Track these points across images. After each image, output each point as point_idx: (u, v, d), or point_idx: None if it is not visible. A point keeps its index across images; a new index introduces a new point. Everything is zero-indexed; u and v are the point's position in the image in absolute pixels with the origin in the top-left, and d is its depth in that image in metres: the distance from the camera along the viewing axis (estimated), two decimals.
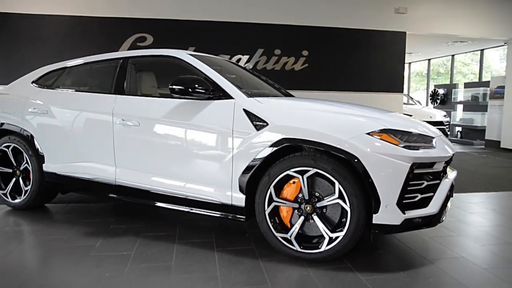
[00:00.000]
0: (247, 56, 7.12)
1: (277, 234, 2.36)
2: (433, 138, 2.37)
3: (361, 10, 7.47)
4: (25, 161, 3.24)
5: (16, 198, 3.32)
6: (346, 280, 2.10)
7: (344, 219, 2.23)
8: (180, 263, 2.28)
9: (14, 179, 3.34)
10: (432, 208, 2.26)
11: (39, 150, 3.15)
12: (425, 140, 2.32)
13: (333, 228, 2.28)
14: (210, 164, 2.51)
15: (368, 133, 2.20)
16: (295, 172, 2.29)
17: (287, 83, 5.53)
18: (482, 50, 10.63)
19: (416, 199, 2.24)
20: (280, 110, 2.44)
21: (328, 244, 2.25)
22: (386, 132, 2.22)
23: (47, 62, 6.21)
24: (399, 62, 7.79)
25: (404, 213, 2.17)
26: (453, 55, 11.81)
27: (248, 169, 2.38)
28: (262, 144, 2.34)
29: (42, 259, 2.36)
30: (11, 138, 3.29)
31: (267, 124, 2.35)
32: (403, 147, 2.19)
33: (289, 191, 2.36)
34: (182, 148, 2.61)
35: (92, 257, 2.35)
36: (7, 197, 3.34)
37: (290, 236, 2.33)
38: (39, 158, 3.17)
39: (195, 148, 2.56)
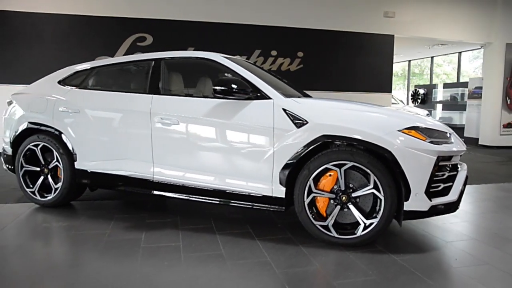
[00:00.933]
0: (245, 57, 7.29)
1: (315, 222, 2.58)
2: (450, 134, 2.67)
3: (352, 13, 7.82)
4: (55, 159, 3.31)
5: (44, 196, 3.38)
6: (383, 260, 2.36)
7: (378, 207, 2.49)
8: (229, 251, 2.47)
9: (42, 177, 3.39)
10: (452, 196, 2.56)
11: (71, 148, 3.23)
12: (445, 136, 2.61)
13: (366, 215, 2.53)
14: (252, 160, 2.70)
15: (399, 130, 2.46)
16: (333, 165, 2.53)
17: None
18: (460, 53, 11.29)
19: (439, 188, 2.52)
20: (318, 110, 2.66)
21: (363, 230, 2.51)
22: (414, 129, 2.49)
23: (44, 61, 6.24)
24: (387, 64, 8.20)
25: (431, 200, 2.45)
26: (432, 57, 12.45)
27: (288, 163, 2.59)
28: (303, 140, 2.56)
29: (95, 252, 2.45)
30: (40, 137, 3.35)
31: (307, 122, 2.57)
32: (429, 142, 2.47)
33: (325, 183, 2.59)
34: (223, 145, 2.79)
35: (143, 248, 2.49)
36: (35, 195, 3.40)
37: (328, 224, 2.56)
38: (71, 156, 3.25)
39: (237, 144, 2.75)
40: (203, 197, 2.88)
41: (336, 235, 2.55)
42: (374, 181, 2.46)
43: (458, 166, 2.76)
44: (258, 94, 2.75)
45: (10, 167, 3.58)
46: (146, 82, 3.15)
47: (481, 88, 9.14)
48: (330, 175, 2.58)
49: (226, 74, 2.95)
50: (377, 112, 2.69)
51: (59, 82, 3.48)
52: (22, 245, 2.55)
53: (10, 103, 3.65)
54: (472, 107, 9.48)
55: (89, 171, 3.18)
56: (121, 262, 2.30)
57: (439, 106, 11.56)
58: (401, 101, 11.67)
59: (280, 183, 2.63)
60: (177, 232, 2.80)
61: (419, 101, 11.89)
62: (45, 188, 3.39)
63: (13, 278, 2.09)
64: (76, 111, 3.23)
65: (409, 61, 13.81)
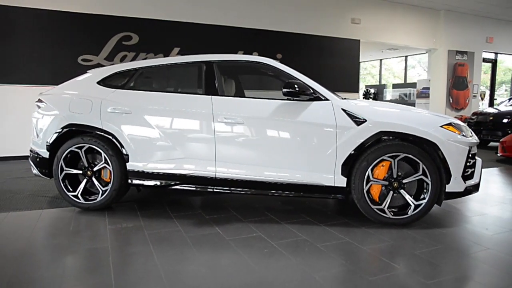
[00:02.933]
0: None
1: (373, 207, 3.00)
2: (468, 129, 3.26)
3: (324, 19, 8.44)
4: (102, 161, 3.29)
5: (89, 199, 3.34)
6: (434, 234, 2.85)
7: (425, 190, 2.97)
8: (310, 236, 2.77)
9: (85, 180, 3.35)
10: (476, 179, 3.14)
11: (123, 149, 3.25)
12: (467, 131, 3.18)
13: (414, 198, 3.01)
14: (317, 154, 3.02)
15: (441, 126, 2.98)
16: (389, 157, 2.96)
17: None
18: (406, 56, 12.63)
19: (468, 172, 3.09)
20: (373, 110, 3.08)
21: (414, 210, 2.98)
22: (451, 125, 3.02)
23: (24, 59, 5.88)
24: (354, 66, 8.98)
25: (465, 183, 3.00)
26: (381, 60, 13.71)
27: (350, 156, 2.97)
28: (363, 136, 2.95)
29: (195, 249, 2.54)
30: (85, 138, 3.30)
31: (366, 121, 2.96)
32: (462, 135, 3.02)
33: (379, 172, 3.01)
34: (289, 141, 3.06)
35: (232, 241, 2.67)
36: (79, 199, 3.34)
37: (384, 207, 2.99)
38: (122, 158, 3.26)
39: (302, 141, 3.04)
40: (266, 191, 3.13)
41: (391, 216, 2.99)
42: (423, 169, 2.94)
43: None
44: (317, 96, 3.09)
45: (44, 171, 3.46)
46: (200, 83, 3.29)
47: (428, 88, 10.38)
48: (382, 165, 3.00)
49: (291, 79, 3.14)
50: (420, 112, 3.19)
51: (99, 83, 3.45)
52: (121, 248, 2.56)
53: (40, 104, 3.51)
54: (420, 106, 10.71)
55: (145, 171, 3.23)
56: (217, 254, 2.46)
57: None
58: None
59: (342, 174, 3.00)
60: (247, 225, 3.02)
61: (370, 99, 13.05)
62: (85, 191, 3.34)
63: (149, 280, 2.17)
64: (127, 112, 3.25)
65: (359, 63, 14.96)
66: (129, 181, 3.29)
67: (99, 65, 6.42)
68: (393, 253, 2.49)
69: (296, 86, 3.00)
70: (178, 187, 3.26)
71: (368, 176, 2.98)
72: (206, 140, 3.14)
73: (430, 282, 2.09)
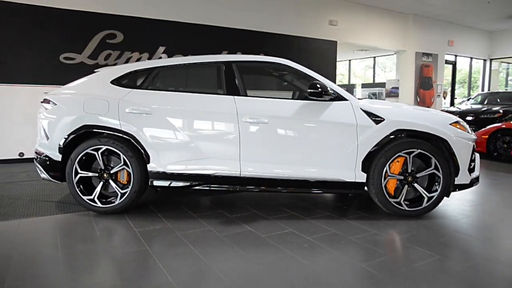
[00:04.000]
0: None
1: (390, 200, 3.19)
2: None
3: (303, 20, 8.66)
4: (121, 163, 3.21)
5: (106, 203, 3.25)
6: (441, 224, 3.10)
7: (436, 183, 3.22)
8: (339, 230, 2.91)
9: (101, 182, 3.26)
10: (477, 172, 3.44)
11: (143, 150, 3.19)
12: (469, 128, 3.47)
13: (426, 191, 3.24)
14: (339, 151, 3.16)
15: (450, 124, 3.24)
16: (405, 153, 3.17)
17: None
18: (374, 58, 13.22)
19: (472, 166, 3.38)
20: (390, 110, 3.27)
21: (427, 202, 3.21)
22: (457, 123, 3.30)
23: (2, 55, 5.49)
24: (332, 66, 9.28)
25: (470, 175, 3.29)
26: (350, 60, 14.24)
27: (369, 153, 3.14)
28: (381, 134, 3.13)
29: (227, 248, 2.58)
30: (102, 140, 3.21)
31: (384, 120, 3.15)
32: (467, 132, 3.30)
33: (395, 168, 3.21)
34: (312, 140, 3.18)
35: (267, 238, 2.75)
36: (95, 202, 3.24)
37: (400, 200, 3.20)
38: (142, 159, 3.21)
39: (325, 139, 3.17)
40: (290, 188, 3.23)
41: (407, 208, 3.21)
42: (435, 163, 3.18)
43: None
44: (336, 96, 3.23)
45: (55, 175, 3.31)
46: (220, 84, 3.32)
47: (397, 88, 10.97)
48: (398, 161, 3.21)
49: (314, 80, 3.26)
50: (429, 111, 3.43)
51: (112, 82, 3.36)
52: (162, 250, 2.51)
53: (48, 105, 3.35)
54: None
55: (167, 172, 3.20)
56: (273, 252, 2.49)
57: None
58: None
59: (362, 170, 3.17)
60: (274, 222, 3.10)
61: None
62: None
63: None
64: (148, 113, 3.20)
65: (336, 63, 15.44)
66: (150, 182, 3.24)
67: (82, 64, 6.18)
68: (421, 242, 2.68)
69: (319, 86, 3.12)
70: (200, 187, 3.27)
71: (386, 171, 3.17)
72: (231, 139, 3.17)
73: (466, 265, 2.30)
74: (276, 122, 3.17)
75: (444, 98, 11.75)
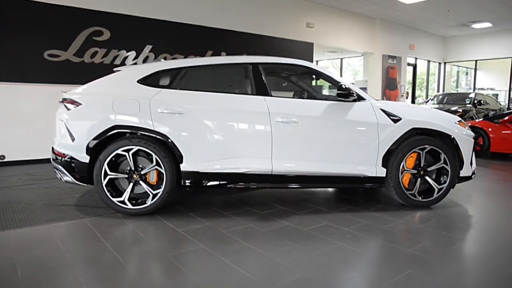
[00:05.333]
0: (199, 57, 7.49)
1: (406, 192, 3.50)
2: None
3: (283, 22, 8.90)
4: (153, 164, 3.20)
5: (137, 204, 3.22)
6: (454, 212, 3.47)
7: (444, 176, 3.57)
8: (370, 221, 3.15)
9: (131, 184, 3.23)
10: (474, 165, 3.87)
11: (177, 150, 3.21)
12: (467, 126, 3.89)
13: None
14: (363, 148, 3.40)
15: (456, 122, 3.62)
16: (418, 149, 3.49)
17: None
18: (341, 59, 13.84)
19: (472, 160, 3.79)
20: (405, 109, 3.57)
21: (437, 193, 3.56)
22: (461, 122, 3.69)
23: None
24: None
25: (471, 168, 3.70)
26: (317, 61, 14.77)
27: (389, 149, 3.42)
28: (399, 132, 3.42)
29: (281, 242, 2.70)
30: (134, 140, 3.18)
31: (401, 119, 3.44)
32: (468, 130, 3.71)
33: (409, 162, 3.53)
34: (339, 138, 3.38)
35: (310, 231, 2.91)
36: (126, 204, 3.20)
37: (415, 192, 3.52)
38: (176, 159, 3.22)
39: (351, 137, 3.39)
40: (317, 184, 3.43)
41: (420, 199, 3.54)
42: (444, 158, 3.54)
43: None
44: (358, 97, 3.48)
45: (81, 177, 3.22)
46: (249, 84, 3.43)
47: (365, 88, 11.60)
48: (411, 156, 3.53)
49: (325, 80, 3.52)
50: (437, 111, 3.80)
51: (139, 82, 3.34)
52: (219, 247, 2.55)
53: (71, 104, 3.25)
54: None
55: (200, 172, 3.25)
56: (324, 244, 2.65)
57: None
58: None
59: (382, 165, 3.44)
60: (306, 216, 3.27)
61: None
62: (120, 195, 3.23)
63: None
64: (180, 113, 3.22)
65: None
66: (182, 182, 3.27)
67: (67, 62, 5.92)
68: (445, 228, 3.00)
69: (346, 87, 3.35)
70: (231, 186, 3.36)
71: (403, 166, 3.48)
72: (263, 138, 3.29)
73: (488, 250, 2.64)
74: (305, 121, 3.34)
75: (407, 98, 12.61)
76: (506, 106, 12.62)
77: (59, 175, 3.37)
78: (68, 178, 3.27)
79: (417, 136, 3.50)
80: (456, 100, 10.93)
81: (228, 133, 3.29)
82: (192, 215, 3.29)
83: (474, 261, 2.48)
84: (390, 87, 11.66)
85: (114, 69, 3.60)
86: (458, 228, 3.02)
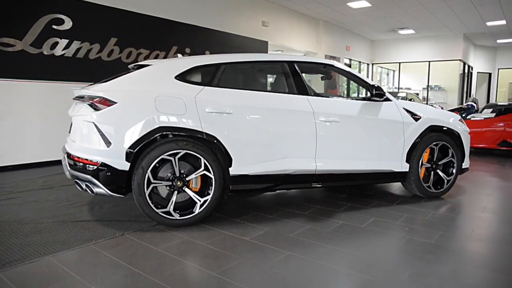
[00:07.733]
0: (164, 53, 7.06)
1: (424, 185, 3.84)
2: None
3: (241, 20, 8.87)
4: (201, 168, 2.95)
5: (183, 214, 2.95)
6: (459, 203, 3.93)
7: (451, 168, 4.00)
8: (410, 214, 3.38)
9: (175, 192, 2.94)
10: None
11: (227, 153, 3.01)
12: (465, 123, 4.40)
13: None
14: (392, 145, 3.61)
15: (458, 120, 4.07)
16: (433, 145, 3.84)
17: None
18: None
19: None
20: (423, 109, 3.88)
21: (446, 184, 3.97)
22: (461, 120, 4.17)
23: None
24: None
25: (469, 161, 4.20)
26: None
27: (412, 146, 3.70)
28: (420, 129, 3.72)
29: (350, 242, 2.73)
30: (180, 143, 2.89)
31: (421, 118, 3.75)
32: (466, 126, 4.21)
33: (425, 157, 3.87)
34: (374, 135, 3.54)
35: (366, 227, 3.01)
36: (171, 215, 2.91)
37: (430, 184, 3.88)
38: (225, 162, 3.03)
39: (383, 135, 3.58)
40: (354, 181, 3.55)
41: (434, 191, 3.91)
42: (452, 153, 3.96)
43: None
44: (386, 97, 3.69)
45: (118, 188, 2.83)
46: (290, 83, 3.38)
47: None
48: (426, 152, 3.88)
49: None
50: (443, 111, 4.21)
51: (177, 78, 3.05)
52: (302, 253, 2.47)
53: (98, 104, 2.82)
54: None
55: (249, 174, 3.10)
56: (388, 239, 2.77)
57: None
58: None
59: (406, 161, 3.71)
60: (350, 214, 3.36)
61: None
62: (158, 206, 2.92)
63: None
64: (229, 112, 3.03)
65: None
66: (231, 187, 3.09)
67: (23, 52, 5.08)
68: (470, 217, 3.38)
69: (380, 88, 3.53)
70: (277, 187, 3.29)
71: (422, 161, 3.80)
72: (309, 138, 3.28)
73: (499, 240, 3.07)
74: (345, 120, 3.43)
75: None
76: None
77: (85, 187, 2.91)
78: (101, 190, 2.83)
79: (433, 133, 3.86)
80: None
81: (276, 134, 3.20)
82: (241, 221, 3.13)
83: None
84: (331, 87, 12.41)
85: (129, 66, 3.21)
86: (479, 217, 3.43)
